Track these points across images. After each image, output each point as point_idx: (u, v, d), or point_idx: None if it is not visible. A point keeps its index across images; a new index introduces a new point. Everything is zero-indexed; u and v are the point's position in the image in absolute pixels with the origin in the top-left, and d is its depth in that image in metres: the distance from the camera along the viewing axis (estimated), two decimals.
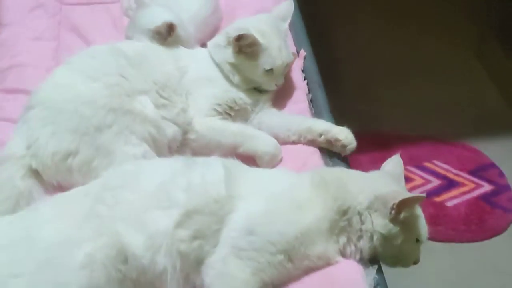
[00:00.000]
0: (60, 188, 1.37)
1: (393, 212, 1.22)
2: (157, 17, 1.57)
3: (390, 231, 1.23)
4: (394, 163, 1.39)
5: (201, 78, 1.56)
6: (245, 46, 1.52)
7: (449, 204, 2.34)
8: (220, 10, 1.85)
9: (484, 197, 2.38)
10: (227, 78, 1.57)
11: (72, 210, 1.23)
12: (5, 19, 1.81)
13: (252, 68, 1.55)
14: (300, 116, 1.58)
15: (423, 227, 1.30)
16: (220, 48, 1.57)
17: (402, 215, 1.24)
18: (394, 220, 1.23)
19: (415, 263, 1.30)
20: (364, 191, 1.25)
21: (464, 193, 2.38)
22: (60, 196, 1.31)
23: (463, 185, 2.41)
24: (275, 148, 1.50)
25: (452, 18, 3.09)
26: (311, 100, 1.68)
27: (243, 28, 1.51)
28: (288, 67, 1.62)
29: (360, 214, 1.24)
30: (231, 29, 1.55)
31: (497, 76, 2.85)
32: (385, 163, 1.40)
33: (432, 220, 2.25)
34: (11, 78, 1.64)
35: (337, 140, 1.50)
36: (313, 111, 1.64)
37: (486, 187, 2.41)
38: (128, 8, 1.82)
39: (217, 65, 1.57)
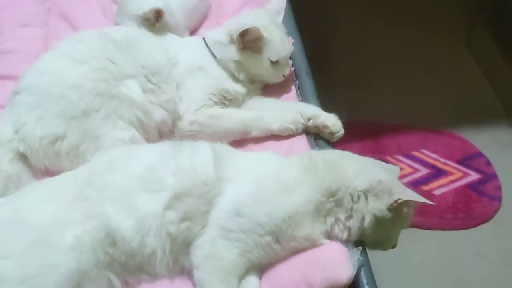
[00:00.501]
0: (48, 172, 1.37)
1: (395, 204, 1.23)
2: (145, 3, 1.57)
3: (384, 216, 1.24)
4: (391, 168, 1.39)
5: (194, 69, 1.55)
6: (249, 42, 1.52)
7: (437, 192, 2.34)
8: None
9: (472, 186, 2.39)
10: (227, 71, 1.56)
11: (61, 193, 1.23)
12: None
13: (258, 62, 1.55)
14: (290, 102, 1.58)
15: (411, 217, 1.32)
16: (223, 46, 1.56)
17: (404, 210, 1.26)
18: (392, 209, 1.24)
19: (393, 247, 1.31)
20: (363, 174, 1.26)
21: (452, 181, 2.39)
22: (49, 180, 1.31)
23: (451, 174, 2.42)
24: (291, 123, 1.49)
25: (443, 10, 3.09)
26: (298, 87, 1.67)
27: (246, 24, 1.50)
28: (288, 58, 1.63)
29: (352, 194, 1.24)
30: (232, 26, 1.53)
31: (486, 67, 2.86)
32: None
33: (419, 209, 2.25)
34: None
35: (325, 126, 1.50)
36: (300, 98, 1.64)
37: (474, 176, 2.42)
38: None
39: (219, 62, 1.56)
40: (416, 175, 2.40)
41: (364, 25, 2.95)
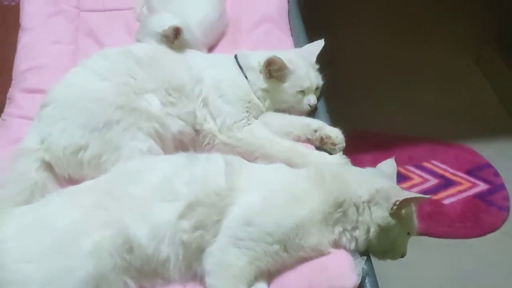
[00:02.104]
0: (71, 181, 1.38)
1: (394, 207, 1.21)
2: (164, 21, 1.57)
3: (388, 224, 1.23)
4: (388, 164, 1.39)
5: (225, 83, 1.53)
6: (274, 71, 1.51)
7: (446, 202, 2.30)
8: (226, 16, 1.85)
9: (480, 196, 2.34)
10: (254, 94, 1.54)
11: (82, 201, 1.23)
12: (27, 24, 1.81)
13: (283, 90, 1.54)
14: (300, 116, 1.57)
15: (415, 222, 1.30)
16: (255, 74, 1.55)
17: (403, 211, 1.24)
18: (394, 214, 1.22)
19: (402, 256, 1.30)
20: (364, 186, 1.25)
21: (461, 191, 2.35)
22: (72, 188, 1.32)
23: (460, 184, 2.38)
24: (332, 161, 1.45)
25: (453, 24, 3.06)
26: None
27: (270, 55, 1.50)
28: (319, 90, 1.61)
29: (357, 206, 1.24)
30: (262, 57, 1.53)
31: (494, 80, 2.81)
32: (380, 163, 1.40)
33: (429, 217, 2.24)
34: (30, 79, 1.65)
35: (328, 137, 1.49)
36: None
37: (482, 186, 2.38)
38: (140, 14, 1.83)
39: (249, 83, 1.55)
40: (426, 185, 2.36)
41: (376, 41, 2.93)
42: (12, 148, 1.43)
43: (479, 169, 2.45)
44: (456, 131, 2.58)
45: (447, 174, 2.41)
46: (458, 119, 2.64)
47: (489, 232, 2.23)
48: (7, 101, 1.61)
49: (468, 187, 2.37)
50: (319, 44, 1.64)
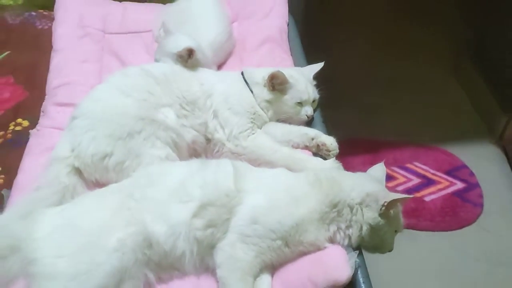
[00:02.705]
0: (98, 184, 1.37)
1: (383, 208, 1.20)
2: (179, 43, 1.55)
3: (378, 223, 1.22)
4: (378, 168, 1.37)
5: (233, 97, 1.51)
6: (277, 84, 1.50)
7: (427, 199, 2.29)
8: (233, 38, 1.84)
9: (457, 193, 2.33)
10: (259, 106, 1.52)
11: (108, 203, 1.23)
12: (58, 46, 1.80)
13: (284, 101, 1.52)
14: (299, 126, 1.55)
15: (402, 221, 1.29)
16: (259, 87, 1.53)
17: (391, 211, 1.23)
18: (383, 215, 1.22)
19: (390, 250, 1.28)
20: (355, 189, 1.24)
21: (440, 189, 2.34)
22: (98, 191, 1.32)
23: (439, 183, 2.36)
24: (326, 166, 1.43)
25: (432, 39, 3.04)
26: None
27: (274, 70, 1.49)
28: (316, 102, 1.59)
29: (350, 207, 1.23)
30: (266, 73, 1.51)
31: (470, 90, 2.79)
32: (371, 168, 1.38)
33: (413, 213, 2.22)
34: (61, 94, 1.63)
35: (323, 144, 1.48)
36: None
37: (459, 185, 2.36)
38: (158, 36, 1.81)
39: (254, 96, 1.53)
40: (409, 184, 2.35)
41: (363, 57, 2.91)
42: (46, 155, 1.41)
43: (456, 170, 2.43)
44: (436, 136, 2.56)
45: (428, 174, 2.39)
46: (437, 125, 2.61)
47: (465, 225, 2.21)
48: (41, 113, 1.60)
49: (447, 186, 2.35)
50: (318, 66, 1.63)
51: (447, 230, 2.19)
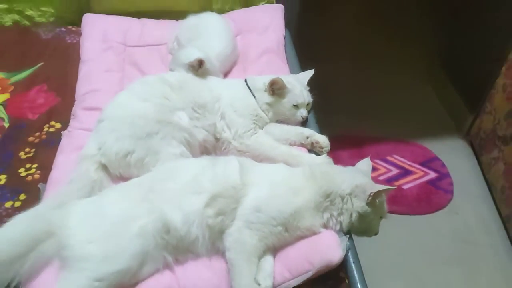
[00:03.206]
0: (122, 178, 1.35)
1: (370, 198, 1.19)
2: (191, 54, 1.53)
3: (365, 211, 1.20)
4: (365, 163, 1.35)
5: (238, 101, 1.49)
6: (276, 89, 1.47)
7: (405, 187, 2.26)
8: (237, 49, 1.81)
9: (431, 182, 2.30)
10: (261, 109, 1.50)
11: (131, 195, 1.21)
12: (85, 57, 1.77)
13: (282, 104, 1.49)
14: (295, 126, 1.53)
15: (386, 208, 1.28)
16: (261, 92, 1.50)
17: (377, 201, 1.21)
18: (369, 203, 1.20)
19: (376, 234, 1.27)
20: (346, 181, 1.22)
21: (416, 179, 2.31)
22: (122, 185, 1.30)
23: (415, 173, 2.34)
24: (319, 162, 1.41)
25: (408, 52, 2.99)
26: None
27: (274, 77, 1.47)
28: (310, 105, 1.56)
29: (342, 197, 1.21)
30: (266, 80, 1.49)
31: (441, 93, 2.77)
32: (359, 162, 1.35)
33: (392, 199, 2.19)
34: (89, 99, 1.60)
35: (317, 142, 1.46)
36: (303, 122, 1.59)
37: (432, 175, 2.34)
38: (172, 48, 1.79)
39: (256, 100, 1.50)
40: (390, 174, 2.32)
41: (350, 66, 2.88)
42: (76, 153, 1.39)
43: (429, 161, 2.41)
44: (412, 133, 2.53)
45: (405, 166, 2.37)
46: (413, 123, 2.58)
47: (438, 210, 2.20)
48: (72, 117, 1.57)
49: (422, 175, 2.33)
50: (310, 72, 1.60)
51: (422, 214, 2.17)
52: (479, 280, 1.95)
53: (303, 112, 1.52)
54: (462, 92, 2.61)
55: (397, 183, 2.28)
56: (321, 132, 1.51)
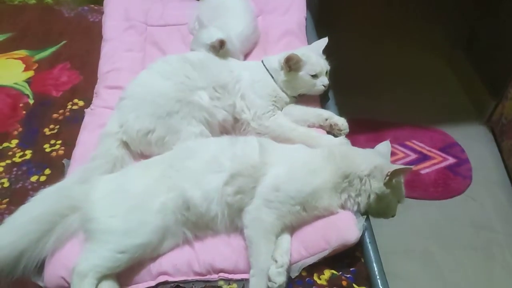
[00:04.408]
0: (143, 156, 1.37)
1: (387, 178, 1.19)
2: (212, 35, 1.53)
3: (383, 192, 1.20)
4: (384, 145, 1.34)
5: (257, 83, 1.48)
6: (292, 64, 1.46)
7: (423, 172, 2.25)
8: (258, 30, 1.80)
9: (449, 167, 2.29)
10: (280, 88, 1.50)
11: (152, 172, 1.23)
12: (108, 36, 1.79)
13: (300, 77, 1.47)
14: (315, 108, 1.53)
15: (403, 191, 1.28)
16: (277, 71, 1.49)
17: (393, 181, 1.21)
18: (387, 184, 1.20)
19: (393, 216, 1.27)
20: (365, 162, 1.22)
21: (434, 164, 2.30)
22: (144, 162, 1.32)
23: (434, 158, 2.32)
24: (337, 143, 1.42)
25: (430, 34, 2.96)
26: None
27: (288, 52, 1.46)
28: (327, 73, 1.53)
29: (360, 178, 1.21)
30: (281, 57, 1.47)
31: (462, 78, 2.72)
32: (378, 145, 1.35)
33: (410, 184, 2.13)
34: (111, 78, 1.62)
35: (336, 124, 1.45)
36: (322, 104, 1.59)
37: (451, 160, 2.32)
38: (193, 29, 1.79)
39: (275, 82, 1.50)
40: (408, 159, 2.31)
41: (370, 49, 2.84)
42: (99, 130, 1.41)
43: (449, 147, 2.39)
44: (432, 118, 2.51)
45: (424, 151, 2.36)
46: (433, 108, 2.56)
47: (455, 195, 2.18)
48: (94, 95, 1.59)
49: (440, 161, 2.31)
50: (324, 41, 1.58)
51: (439, 199, 2.16)
52: (494, 267, 1.94)
53: (324, 80, 1.50)
54: (485, 77, 2.56)
55: (415, 168, 2.26)
56: (340, 114, 1.51)
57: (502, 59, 2.39)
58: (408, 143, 2.39)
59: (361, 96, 2.46)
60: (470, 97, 2.64)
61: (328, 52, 1.58)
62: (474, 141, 2.41)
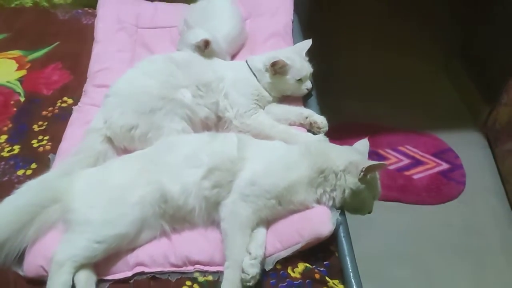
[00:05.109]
0: (126, 151, 1.40)
1: (362, 173, 1.21)
2: (197, 35, 1.57)
3: (358, 188, 1.23)
4: (362, 143, 1.37)
5: (240, 83, 1.53)
6: (278, 68, 1.50)
7: (416, 177, 2.28)
8: (245, 32, 1.84)
9: (442, 173, 2.31)
10: (263, 88, 1.54)
11: (132, 166, 1.27)
12: (98, 37, 1.84)
13: (286, 81, 1.53)
14: (296, 107, 1.56)
15: (379, 188, 1.30)
16: (261, 73, 1.54)
17: (368, 176, 1.23)
18: (362, 179, 1.22)
19: (369, 212, 1.30)
20: (340, 158, 1.25)
21: (427, 169, 2.32)
22: (125, 156, 1.36)
23: (427, 163, 2.35)
24: (315, 140, 1.44)
25: (426, 41, 3.00)
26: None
27: (275, 57, 1.50)
28: (310, 76, 1.59)
29: (335, 173, 1.23)
30: (266, 60, 1.51)
31: (457, 84, 2.75)
32: (357, 142, 1.38)
33: (402, 189, 2.22)
34: (100, 77, 1.66)
35: (315, 122, 1.49)
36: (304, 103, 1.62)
37: (444, 166, 2.34)
38: (182, 31, 1.81)
39: (259, 82, 1.54)
40: (400, 164, 2.34)
41: (362, 52, 2.88)
42: (84, 127, 1.45)
43: (442, 153, 2.41)
44: (425, 123, 2.54)
45: (417, 156, 2.38)
46: (427, 114, 2.59)
47: (448, 200, 2.20)
48: (83, 93, 1.64)
49: (433, 166, 2.34)
50: (307, 43, 1.61)
51: (432, 204, 2.18)
52: (486, 272, 1.95)
53: (307, 85, 1.55)
54: (479, 83, 2.59)
55: (407, 173, 2.29)
56: (334, 118, 1.53)
57: (495, 66, 2.44)
58: (401, 148, 2.41)
59: (356, 101, 2.50)
60: (464, 104, 2.67)
61: (322, 55, 1.61)
62: (469, 147, 2.44)
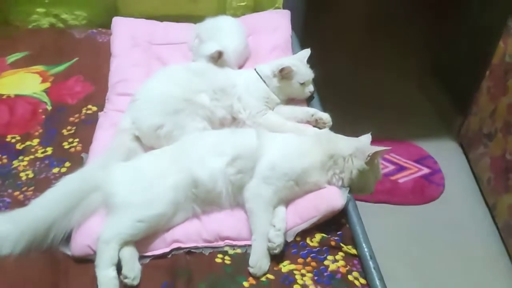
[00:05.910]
0: (152, 148, 1.51)
1: (368, 158, 1.36)
2: (212, 47, 1.72)
3: (364, 169, 1.38)
4: (366, 137, 1.51)
5: (251, 87, 1.67)
6: (285, 74, 1.66)
7: (401, 181, 2.45)
8: (248, 47, 1.99)
9: (424, 177, 2.49)
10: (272, 92, 1.69)
11: (163, 157, 1.41)
12: (116, 53, 1.96)
13: (291, 85, 1.68)
14: (302, 106, 1.74)
15: (380, 170, 1.47)
16: (270, 78, 1.68)
17: (375, 161, 1.41)
18: (367, 163, 1.38)
19: (371, 192, 1.47)
20: (348, 145, 1.41)
21: (411, 174, 2.50)
22: (155, 151, 1.48)
23: (410, 169, 2.53)
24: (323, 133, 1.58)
25: (403, 60, 3.21)
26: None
27: (282, 64, 1.65)
28: (311, 81, 1.74)
29: (344, 157, 1.38)
30: (274, 67, 1.66)
31: (432, 98, 2.97)
32: (361, 136, 1.51)
33: (389, 192, 2.39)
34: (120, 87, 1.78)
35: (320, 118, 1.66)
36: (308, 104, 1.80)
37: (425, 170, 2.53)
38: (193, 46, 1.97)
39: (268, 86, 1.69)
40: (386, 170, 2.51)
41: (346, 70, 3.08)
42: (111, 129, 1.58)
43: (423, 159, 2.61)
44: (408, 133, 2.73)
45: (400, 162, 2.57)
46: (408, 125, 2.78)
47: (431, 201, 2.40)
48: (106, 100, 1.76)
49: (416, 171, 2.53)
50: (307, 52, 1.79)
51: (416, 205, 2.37)
52: (466, 262, 2.12)
53: (310, 88, 1.73)
54: (452, 97, 2.85)
55: (393, 178, 2.47)
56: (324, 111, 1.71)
57: (464, 81, 2.70)
58: (386, 156, 2.59)
59: (341, 114, 2.64)
60: (440, 115, 2.90)
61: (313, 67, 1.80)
62: (446, 153, 2.65)
